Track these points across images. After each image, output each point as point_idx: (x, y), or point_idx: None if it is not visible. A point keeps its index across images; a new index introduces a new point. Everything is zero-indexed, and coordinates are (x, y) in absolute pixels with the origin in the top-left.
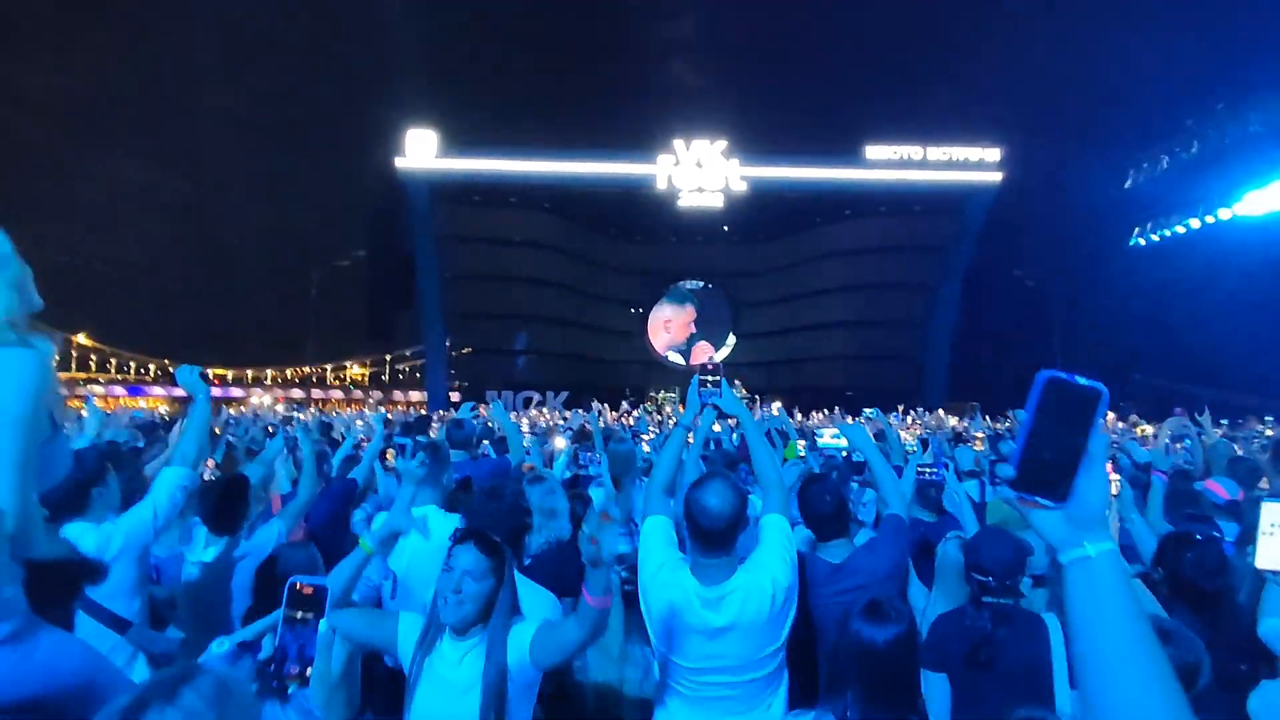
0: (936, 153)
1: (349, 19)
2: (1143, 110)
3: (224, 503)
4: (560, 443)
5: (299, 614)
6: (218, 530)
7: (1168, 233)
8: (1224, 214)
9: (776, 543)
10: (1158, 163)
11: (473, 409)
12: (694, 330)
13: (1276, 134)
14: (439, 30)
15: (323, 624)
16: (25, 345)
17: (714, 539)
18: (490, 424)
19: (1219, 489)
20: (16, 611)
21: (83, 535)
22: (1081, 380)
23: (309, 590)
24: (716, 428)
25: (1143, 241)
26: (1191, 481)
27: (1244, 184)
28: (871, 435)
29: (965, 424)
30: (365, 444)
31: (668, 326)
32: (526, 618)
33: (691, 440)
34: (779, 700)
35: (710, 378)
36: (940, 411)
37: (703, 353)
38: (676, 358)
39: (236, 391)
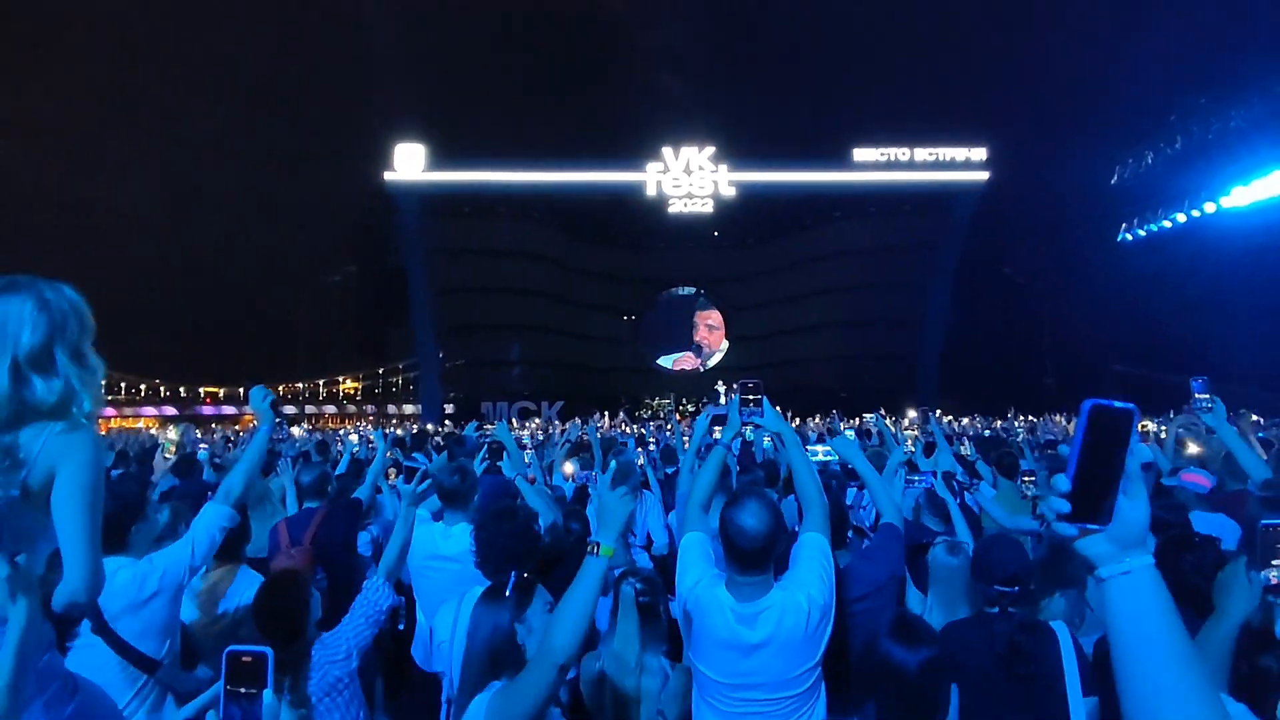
0: (923, 153)
1: (333, 35)
2: (1127, 107)
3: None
4: (569, 469)
5: (241, 688)
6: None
7: (1154, 228)
8: (1209, 208)
9: (814, 561)
10: (1143, 159)
11: (477, 428)
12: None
13: (1259, 128)
14: (425, 44)
15: (267, 694)
16: (92, 427)
17: (750, 559)
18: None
19: (1199, 479)
20: (56, 675)
21: (118, 571)
22: (1117, 403)
23: (249, 659)
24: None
25: (1130, 237)
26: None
27: (1228, 178)
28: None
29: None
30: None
31: (708, 328)
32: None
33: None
34: (816, 716)
35: (751, 396)
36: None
37: (686, 361)
38: (665, 362)
39: (229, 409)
